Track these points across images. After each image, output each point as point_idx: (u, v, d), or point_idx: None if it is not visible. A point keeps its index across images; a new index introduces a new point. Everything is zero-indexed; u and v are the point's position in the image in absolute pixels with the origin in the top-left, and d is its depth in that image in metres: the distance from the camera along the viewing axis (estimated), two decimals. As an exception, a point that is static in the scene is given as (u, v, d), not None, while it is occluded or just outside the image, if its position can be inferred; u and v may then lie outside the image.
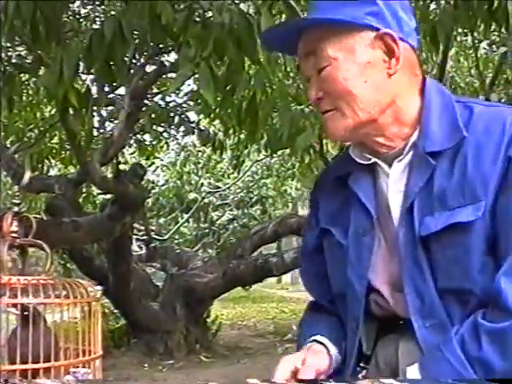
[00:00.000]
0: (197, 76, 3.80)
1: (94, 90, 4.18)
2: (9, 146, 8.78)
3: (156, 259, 9.76)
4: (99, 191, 8.08)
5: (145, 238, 10.03)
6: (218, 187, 13.85)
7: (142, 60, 6.71)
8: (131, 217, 6.17)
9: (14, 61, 5.39)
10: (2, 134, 8.83)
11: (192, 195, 13.33)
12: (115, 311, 8.10)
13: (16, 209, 2.09)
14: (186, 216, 13.22)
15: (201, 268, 7.38)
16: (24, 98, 8.39)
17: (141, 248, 10.38)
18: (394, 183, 1.60)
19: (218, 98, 3.64)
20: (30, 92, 8.61)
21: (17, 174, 7.55)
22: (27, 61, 5.58)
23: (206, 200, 13.39)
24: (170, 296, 7.14)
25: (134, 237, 8.34)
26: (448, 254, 1.50)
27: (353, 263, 1.66)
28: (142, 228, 9.46)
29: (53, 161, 10.56)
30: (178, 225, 13.14)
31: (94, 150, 6.25)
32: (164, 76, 7.58)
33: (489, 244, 1.48)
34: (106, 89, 6.85)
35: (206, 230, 13.86)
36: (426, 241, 1.51)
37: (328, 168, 2.03)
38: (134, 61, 6.35)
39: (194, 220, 13.91)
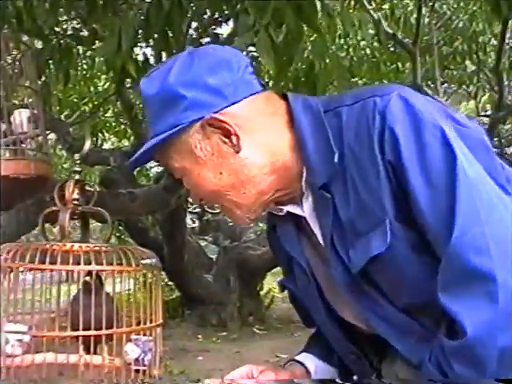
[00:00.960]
0: (251, 48, 3.77)
1: (151, 60, 4.17)
2: (64, 119, 8.90)
3: (208, 232, 9.82)
4: (153, 164, 8.12)
5: (197, 211, 10.09)
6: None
7: (197, 32, 6.69)
8: (187, 189, 6.13)
9: (69, 32, 5.42)
10: (57, 107, 8.93)
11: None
12: (169, 283, 8.18)
13: (77, 177, 2.10)
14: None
15: (254, 241, 7.39)
16: (78, 72, 8.46)
17: (193, 221, 10.44)
18: (313, 223, 1.51)
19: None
20: (85, 66, 8.68)
21: (72, 147, 7.64)
22: (82, 33, 5.60)
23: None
24: (224, 268, 7.16)
25: (187, 210, 8.38)
26: (388, 278, 1.42)
27: (311, 309, 1.66)
28: (195, 201, 9.49)
29: (107, 134, 10.67)
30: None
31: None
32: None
33: (418, 250, 1.37)
34: (164, 59, 6.85)
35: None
36: (362, 274, 1.43)
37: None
38: (188, 34, 6.34)
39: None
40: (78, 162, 2.11)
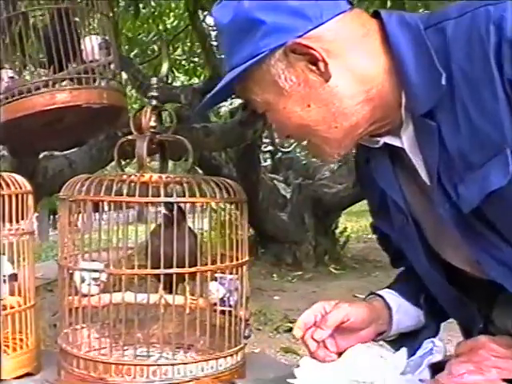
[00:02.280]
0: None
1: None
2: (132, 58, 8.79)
3: (281, 170, 9.67)
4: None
5: (269, 149, 9.94)
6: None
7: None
8: (263, 123, 5.99)
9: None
10: (126, 46, 8.82)
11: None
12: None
13: (154, 102, 1.94)
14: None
15: (329, 178, 7.19)
16: (146, 10, 8.35)
17: (265, 160, 10.29)
18: (414, 156, 1.35)
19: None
20: (153, 3, 8.53)
21: (143, 86, 7.53)
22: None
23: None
24: (299, 206, 7.00)
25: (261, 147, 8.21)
26: (507, 217, 1.25)
27: (406, 251, 1.53)
28: (266, 141, 9.34)
29: (176, 73, 10.56)
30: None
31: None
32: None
33: None
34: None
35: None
36: (474, 213, 1.26)
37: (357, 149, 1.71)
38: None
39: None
40: (155, 86, 1.94)
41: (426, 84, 1.23)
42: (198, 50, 9.26)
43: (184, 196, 1.71)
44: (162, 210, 1.78)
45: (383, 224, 1.56)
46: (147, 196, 1.69)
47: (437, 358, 1.46)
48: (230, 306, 1.84)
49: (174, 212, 1.73)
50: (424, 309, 1.61)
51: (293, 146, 11.27)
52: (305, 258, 6.76)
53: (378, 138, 1.39)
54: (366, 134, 1.37)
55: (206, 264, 1.80)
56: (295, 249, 6.79)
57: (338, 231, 7.55)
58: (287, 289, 5.50)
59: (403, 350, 1.52)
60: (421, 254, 1.48)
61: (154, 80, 1.97)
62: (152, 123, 1.90)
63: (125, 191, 1.70)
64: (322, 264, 6.76)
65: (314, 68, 1.26)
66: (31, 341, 2.22)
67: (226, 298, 1.83)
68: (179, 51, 10.34)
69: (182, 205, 1.78)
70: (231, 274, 1.84)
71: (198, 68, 9.76)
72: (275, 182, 9.40)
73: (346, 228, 8.39)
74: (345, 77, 1.27)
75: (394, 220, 1.48)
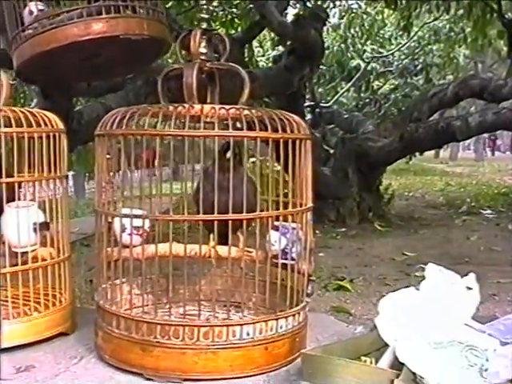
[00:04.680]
0: None
1: None
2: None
3: (320, 125, 9.35)
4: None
5: (309, 104, 9.61)
6: (381, 53, 13.14)
7: None
8: (310, 69, 5.68)
9: None
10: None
11: (354, 62, 12.71)
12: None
13: (204, 25, 1.70)
14: (347, 85, 12.66)
15: (373, 132, 6.89)
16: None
17: (305, 114, 9.95)
18: None
19: None
20: None
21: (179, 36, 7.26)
22: None
23: (368, 68, 12.72)
24: (342, 161, 6.70)
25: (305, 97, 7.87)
26: None
27: None
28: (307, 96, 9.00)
29: (213, 24, 10.27)
30: (339, 94, 12.63)
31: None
32: None
33: None
34: None
35: (367, 100, 13.32)
36: None
37: None
38: None
39: (354, 89, 13.35)
40: (205, 6, 1.68)
41: None
42: (235, 1, 8.96)
43: (241, 129, 1.46)
44: (216, 148, 1.53)
45: None
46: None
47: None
48: (293, 258, 1.59)
49: (230, 150, 1.48)
50: None
51: (329, 104, 10.94)
52: (348, 214, 6.48)
53: None
54: None
55: (267, 210, 1.55)
56: (338, 205, 6.53)
57: (381, 187, 7.25)
58: (332, 245, 5.25)
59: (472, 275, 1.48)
60: None
61: (203, 1, 1.72)
62: (202, 49, 1.65)
63: (172, 123, 1.45)
64: (366, 221, 6.48)
65: None
66: (65, 297, 2.01)
67: (287, 250, 1.58)
68: (215, 2, 10.03)
69: (239, 140, 1.52)
70: (294, 222, 1.59)
71: (236, 20, 9.45)
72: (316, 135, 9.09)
73: (390, 184, 8.08)
74: None
75: None
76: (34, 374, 1.69)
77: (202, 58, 1.64)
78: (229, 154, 1.50)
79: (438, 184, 12.83)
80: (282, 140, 1.51)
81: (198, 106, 1.50)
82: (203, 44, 1.65)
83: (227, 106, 1.50)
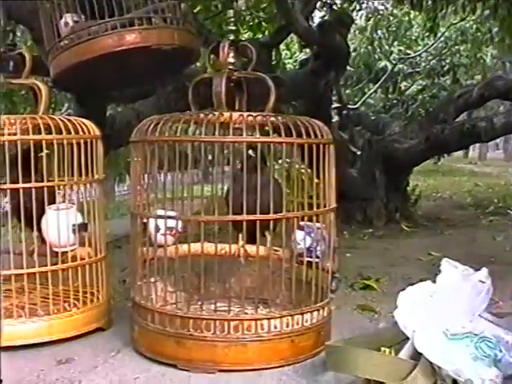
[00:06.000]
0: None
1: None
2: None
3: (347, 127, 9.40)
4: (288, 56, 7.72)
5: (336, 105, 9.67)
6: (408, 54, 13.15)
7: None
8: (335, 73, 5.75)
9: None
10: (189, 2, 8.65)
11: (381, 64, 12.73)
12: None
13: (232, 37, 1.79)
14: (374, 87, 12.68)
15: (400, 134, 6.93)
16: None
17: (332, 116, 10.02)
18: None
19: None
20: None
21: (208, 40, 7.35)
22: None
23: (395, 69, 12.74)
24: (369, 162, 6.76)
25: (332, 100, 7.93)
26: None
27: None
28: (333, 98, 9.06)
29: (241, 29, 10.35)
30: (367, 95, 12.65)
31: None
32: None
33: None
34: None
35: (395, 101, 13.31)
36: None
37: None
38: None
39: (381, 90, 13.37)
40: (232, 18, 1.77)
41: None
42: (263, 5, 9.04)
43: (268, 135, 1.55)
44: (245, 152, 1.62)
45: None
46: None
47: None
48: (318, 256, 1.69)
49: (257, 155, 1.58)
50: None
51: (357, 105, 10.98)
52: (375, 215, 6.52)
53: None
54: None
55: (293, 210, 1.65)
56: (366, 206, 6.59)
57: (409, 188, 7.29)
58: (359, 246, 5.29)
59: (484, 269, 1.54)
60: None
61: (231, 12, 1.81)
62: (230, 59, 1.75)
63: (203, 130, 1.55)
64: (392, 221, 6.52)
65: None
66: (102, 294, 2.12)
67: (312, 248, 1.68)
68: (243, 7, 10.10)
69: (266, 145, 1.62)
70: (318, 222, 1.68)
71: (263, 23, 9.52)
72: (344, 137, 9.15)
73: (417, 185, 8.11)
74: None
75: None
76: (75, 365, 1.80)
77: (230, 67, 1.73)
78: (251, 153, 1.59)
79: (466, 185, 12.77)
80: (306, 144, 1.60)
81: (227, 114, 1.60)
82: (231, 54, 1.74)
83: (254, 113, 1.59)
